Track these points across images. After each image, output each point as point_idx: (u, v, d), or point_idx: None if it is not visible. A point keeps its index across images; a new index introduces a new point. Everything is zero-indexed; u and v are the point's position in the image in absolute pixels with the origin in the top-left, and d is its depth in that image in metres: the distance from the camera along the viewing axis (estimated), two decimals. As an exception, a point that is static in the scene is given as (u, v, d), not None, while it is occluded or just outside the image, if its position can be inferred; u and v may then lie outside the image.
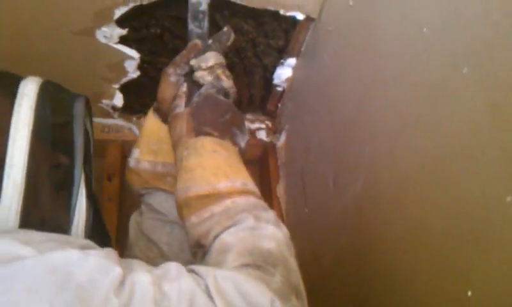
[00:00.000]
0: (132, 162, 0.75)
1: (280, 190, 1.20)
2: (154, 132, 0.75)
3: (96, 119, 1.20)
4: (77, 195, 0.58)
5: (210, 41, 0.75)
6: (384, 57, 0.66)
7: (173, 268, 0.48)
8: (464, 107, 0.50)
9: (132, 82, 1.07)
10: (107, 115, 1.19)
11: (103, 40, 0.93)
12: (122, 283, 0.42)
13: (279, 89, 1.14)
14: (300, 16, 0.91)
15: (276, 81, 1.12)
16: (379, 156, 0.68)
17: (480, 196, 0.48)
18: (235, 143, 0.67)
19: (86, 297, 0.40)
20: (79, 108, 0.62)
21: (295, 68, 1.06)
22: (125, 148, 1.25)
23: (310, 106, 0.98)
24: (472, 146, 0.49)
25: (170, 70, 0.72)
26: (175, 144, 0.67)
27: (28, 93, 0.57)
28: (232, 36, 0.76)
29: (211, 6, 0.80)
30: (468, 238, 0.50)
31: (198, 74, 0.71)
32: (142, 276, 0.44)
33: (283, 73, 1.09)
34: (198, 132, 0.65)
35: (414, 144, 0.59)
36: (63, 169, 0.58)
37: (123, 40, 0.94)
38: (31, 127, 0.55)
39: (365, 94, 0.72)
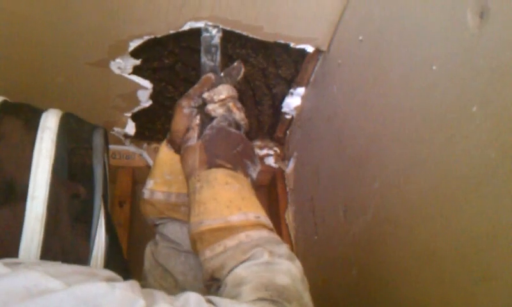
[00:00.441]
0: (146, 193, 0.76)
1: (289, 216, 1.21)
2: (167, 163, 0.76)
3: (107, 146, 1.22)
4: (97, 226, 0.59)
5: (222, 74, 0.77)
6: (394, 92, 0.67)
7: (192, 299, 0.48)
8: (472, 145, 0.51)
9: (144, 110, 1.09)
10: (118, 142, 1.21)
11: (117, 71, 0.95)
12: None
13: (288, 117, 1.16)
14: (310, 49, 0.93)
15: (285, 109, 1.14)
16: (389, 188, 0.69)
17: (488, 228, 0.49)
18: (247, 174, 0.68)
19: None
20: (98, 139, 0.63)
21: (304, 97, 1.08)
22: (136, 174, 1.27)
23: (319, 135, 1.00)
24: (481, 183, 0.50)
25: (184, 102, 0.73)
26: (188, 177, 0.67)
27: (50, 126, 0.59)
28: (242, 70, 0.77)
29: (223, 39, 0.82)
30: (476, 268, 0.51)
31: (210, 107, 0.72)
32: None
33: (292, 101, 1.11)
34: (211, 164, 0.65)
35: (423, 178, 0.60)
36: (82, 200, 0.59)
37: (136, 71, 0.97)
38: (52, 160, 0.56)
39: (375, 128, 0.73)
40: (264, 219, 0.63)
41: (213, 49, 0.80)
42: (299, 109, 1.12)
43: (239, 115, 0.72)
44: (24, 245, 0.53)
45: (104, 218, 0.60)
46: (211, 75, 0.76)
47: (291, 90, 1.07)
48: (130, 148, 1.24)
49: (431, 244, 0.59)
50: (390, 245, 0.69)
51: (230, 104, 0.73)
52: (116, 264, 0.62)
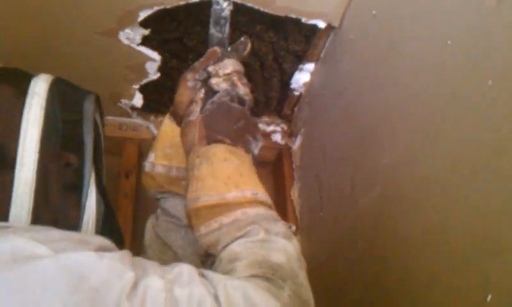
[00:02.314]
0: (147, 166, 0.76)
1: (295, 193, 1.22)
2: (169, 136, 0.75)
3: (114, 118, 1.22)
4: (87, 194, 0.58)
5: (229, 49, 0.76)
6: (407, 67, 0.67)
7: (185, 271, 0.48)
8: (487, 119, 0.51)
9: (152, 83, 1.09)
10: (126, 114, 1.21)
11: (126, 42, 0.95)
12: (135, 287, 0.43)
13: (296, 93, 1.16)
14: (321, 25, 0.92)
15: (293, 85, 1.13)
16: (399, 163, 0.69)
17: (499, 203, 0.49)
18: (248, 150, 0.67)
19: (98, 299, 0.40)
20: (88, 107, 0.62)
21: (313, 73, 1.07)
22: (142, 146, 1.27)
23: (328, 111, 0.99)
24: (494, 157, 0.50)
25: (188, 75, 0.72)
26: (187, 152, 0.67)
27: (39, 91, 0.58)
28: (249, 46, 0.76)
29: (233, 12, 0.82)
30: (487, 242, 0.51)
31: (214, 81, 0.71)
32: (155, 281, 0.44)
33: (301, 77, 1.10)
34: (210, 140, 0.65)
35: (435, 153, 0.60)
36: (73, 169, 0.59)
37: (145, 42, 0.96)
38: (41, 127, 0.55)
39: (386, 103, 0.73)
40: (262, 195, 0.62)
41: (222, 21, 0.79)
42: (308, 85, 1.11)
43: (243, 90, 0.71)
44: (14, 212, 0.53)
45: (94, 187, 0.59)
46: (217, 49, 0.75)
47: (300, 66, 1.07)
48: (137, 120, 1.24)
49: (441, 219, 0.59)
50: (398, 220, 0.70)
51: (235, 78, 0.72)
52: (109, 233, 0.62)
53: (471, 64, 0.53)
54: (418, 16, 0.64)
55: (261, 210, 0.60)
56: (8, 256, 0.41)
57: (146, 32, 0.93)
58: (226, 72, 0.72)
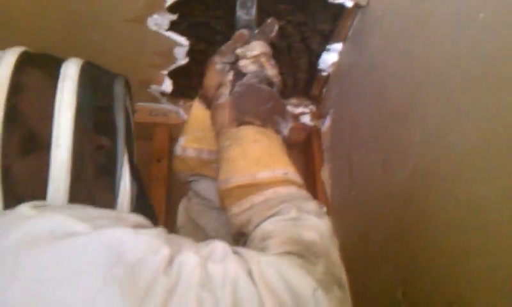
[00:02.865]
0: (178, 150, 0.77)
1: (325, 174, 1.21)
2: (199, 119, 0.76)
3: (144, 104, 1.24)
4: (121, 175, 0.59)
5: (256, 32, 0.76)
6: (438, 42, 0.66)
7: (218, 248, 0.49)
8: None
9: (181, 68, 1.10)
10: (155, 99, 1.22)
11: (154, 28, 0.95)
12: (170, 262, 0.43)
13: (324, 73, 1.15)
14: (349, 3, 0.91)
15: (321, 66, 1.12)
16: (431, 139, 0.68)
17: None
18: (277, 131, 0.67)
19: (136, 274, 0.41)
20: (119, 89, 0.63)
21: (341, 53, 1.06)
22: (173, 131, 1.29)
23: (357, 90, 0.98)
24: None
25: (216, 58, 0.73)
26: (218, 134, 0.67)
27: (70, 74, 0.59)
28: (276, 27, 0.76)
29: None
30: None
31: (242, 63, 0.71)
32: (189, 257, 0.45)
33: (329, 58, 1.09)
34: (240, 122, 0.65)
35: (467, 128, 0.59)
36: (106, 151, 0.60)
37: (173, 27, 0.96)
38: (73, 110, 0.56)
39: (417, 79, 0.72)
40: (293, 175, 0.62)
41: (249, 3, 0.79)
42: (336, 65, 1.10)
43: (271, 71, 0.71)
44: (51, 193, 0.54)
45: (127, 168, 0.60)
46: (244, 31, 0.75)
47: (328, 46, 1.06)
48: (167, 106, 1.25)
49: (476, 193, 0.58)
50: (431, 196, 0.69)
51: (263, 60, 0.72)
52: (143, 212, 0.63)
53: (503, 36, 0.52)
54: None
55: (292, 189, 0.60)
56: (47, 233, 0.42)
57: (174, 17, 0.93)
58: (253, 54, 0.72)
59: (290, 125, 0.70)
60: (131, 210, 0.60)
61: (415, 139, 0.72)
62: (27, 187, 0.55)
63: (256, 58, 0.72)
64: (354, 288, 0.53)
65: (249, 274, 0.46)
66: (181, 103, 1.24)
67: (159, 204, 1.22)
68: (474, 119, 0.58)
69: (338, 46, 1.05)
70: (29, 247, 0.41)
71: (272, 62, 0.73)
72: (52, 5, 0.88)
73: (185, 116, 1.24)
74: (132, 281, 0.40)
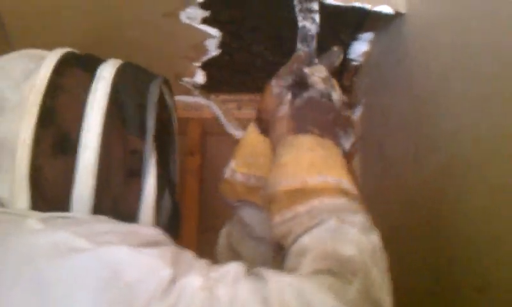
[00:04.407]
0: (227, 173, 0.75)
1: (356, 163, 1.21)
2: (251, 144, 0.75)
3: (178, 98, 1.26)
4: (145, 179, 0.60)
5: (316, 61, 0.76)
6: (469, 28, 0.65)
7: (231, 270, 0.47)
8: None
9: (212, 60, 1.11)
10: (188, 92, 1.24)
11: (187, 21, 0.97)
12: (171, 284, 0.42)
13: (355, 63, 1.15)
14: (389, 11, 0.86)
15: (352, 56, 1.12)
16: (462, 128, 0.68)
17: None
18: (337, 144, 0.65)
19: (131, 296, 0.40)
20: (153, 91, 0.63)
21: (372, 42, 1.06)
22: (205, 126, 1.31)
23: (389, 80, 0.98)
24: None
25: (273, 82, 0.73)
26: (275, 146, 0.66)
27: (105, 75, 0.60)
28: (341, 57, 0.77)
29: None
30: None
31: (312, 79, 0.70)
32: (194, 280, 0.43)
33: (360, 47, 1.09)
34: (298, 130, 0.64)
35: (498, 115, 0.59)
36: (136, 154, 0.60)
37: (205, 21, 0.98)
38: (104, 112, 0.57)
39: (447, 67, 0.71)
40: (347, 185, 0.58)
41: (309, 38, 0.79)
42: (367, 55, 1.10)
43: (337, 94, 0.72)
44: (76, 195, 0.55)
45: (154, 172, 0.60)
46: (301, 54, 0.75)
47: (359, 35, 1.06)
48: (199, 100, 1.27)
49: (505, 181, 0.58)
50: (462, 185, 0.69)
51: (333, 82, 0.72)
52: (170, 223, 0.65)
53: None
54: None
55: (341, 200, 0.56)
56: (50, 248, 0.43)
57: (206, 14, 0.95)
58: (322, 76, 0.71)
59: (352, 140, 0.68)
60: (157, 219, 0.61)
61: (446, 126, 0.72)
62: (55, 189, 0.56)
63: (324, 80, 0.71)
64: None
65: (263, 298, 0.43)
66: (213, 97, 1.26)
67: (193, 196, 1.25)
68: (505, 105, 0.57)
69: (369, 35, 1.05)
70: (30, 261, 0.42)
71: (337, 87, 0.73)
72: (91, 5, 0.90)
73: (217, 110, 1.25)
74: (126, 302, 0.40)
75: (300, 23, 0.79)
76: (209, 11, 0.95)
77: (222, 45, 1.06)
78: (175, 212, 0.71)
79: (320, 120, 0.65)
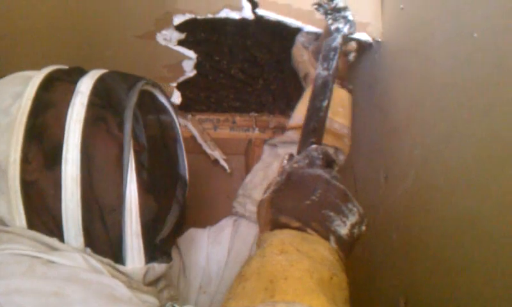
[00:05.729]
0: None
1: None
2: (338, 96, 0.82)
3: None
4: (126, 181, 0.59)
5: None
6: (435, 59, 0.68)
7: None
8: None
9: (189, 81, 1.12)
10: (164, 112, 1.24)
11: (163, 42, 0.98)
12: None
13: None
14: (367, 39, 0.88)
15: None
16: (430, 154, 0.70)
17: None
18: (328, 231, 0.52)
19: None
20: (131, 96, 0.63)
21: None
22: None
23: (360, 104, 1.00)
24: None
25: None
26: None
27: (82, 90, 0.61)
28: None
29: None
30: None
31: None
32: None
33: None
34: (274, 225, 0.53)
35: (464, 144, 0.61)
36: (113, 160, 0.61)
37: (181, 42, 0.99)
38: (82, 124, 0.58)
39: (417, 96, 0.74)
40: None
41: (332, 54, 0.73)
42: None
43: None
44: (65, 207, 0.57)
45: (135, 177, 0.60)
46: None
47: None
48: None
49: (473, 209, 0.60)
50: (431, 210, 0.71)
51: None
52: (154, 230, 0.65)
53: (497, 56, 0.54)
54: (445, 8, 0.65)
55: None
56: None
57: (182, 36, 0.97)
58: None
59: (354, 219, 0.55)
60: (141, 219, 0.60)
61: (415, 153, 0.74)
62: (47, 203, 0.58)
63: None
64: (357, 297, 0.53)
65: None
66: (189, 117, 1.26)
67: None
68: (470, 135, 0.60)
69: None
70: None
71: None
72: (66, 25, 0.91)
73: (193, 130, 1.25)
74: None
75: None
76: (185, 33, 0.96)
77: (198, 66, 1.07)
78: (181, 212, 0.72)
79: (302, 206, 0.53)
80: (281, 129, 1.19)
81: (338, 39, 0.74)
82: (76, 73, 0.65)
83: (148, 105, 0.71)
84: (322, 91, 0.68)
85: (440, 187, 0.68)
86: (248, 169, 1.24)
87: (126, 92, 0.64)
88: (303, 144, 0.63)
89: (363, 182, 1.01)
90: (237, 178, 1.27)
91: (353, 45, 0.85)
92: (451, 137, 0.64)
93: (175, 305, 0.52)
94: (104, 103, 0.64)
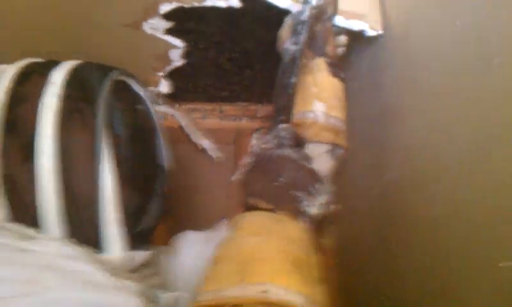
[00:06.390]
0: (321, 118, 0.71)
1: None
2: (330, 87, 0.78)
3: (141, 106, 1.26)
4: (99, 171, 0.60)
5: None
6: (417, 51, 0.68)
7: None
8: (492, 99, 0.52)
9: (176, 70, 1.12)
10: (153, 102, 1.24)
11: (150, 31, 0.98)
12: None
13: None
14: (371, 33, 0.85)
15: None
16: (414, 144, 0.71)
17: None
18: (295, 212, 0.56)
19: None
20: (105, 87, 0.64)
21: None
22: (169, 134, 1.30)
23: (351, 94, 1.01)
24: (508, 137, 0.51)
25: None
26: None
27: (54, 80, 0.61)
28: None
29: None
30: (498, 215, 0.52)
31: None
32: None
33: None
34: (245, 207, 0.56)
35: (450, 131, 0.62)
36: (87, 150, 0.61)
37: (168, 31, 0.99)
38: (55, 115, 0.58)
39: (402, 89, 0.75)
40: (276, 292, 0.45)
41: (299, 28, 0.72)
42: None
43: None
44: (40, 200, 0.57)
45: (109, 167, 0.60)
46: None
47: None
48: (163, 108, 1.27)
49: (457, 195, 0.60)
50: (419, 195, 0.71)
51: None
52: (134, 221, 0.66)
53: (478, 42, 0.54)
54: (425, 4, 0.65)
55: None
56: None
57: (169, 25, 0.96)
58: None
59: (322, 199, 0.58)
60: (117, 209, 0.61)
61: (407, 144, 0.75)
62: (27, 196, 0.58)
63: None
64: (346, 288, 0.53)
65: None
66: (176, 106, 1.26)
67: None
68: (455, 120, 0.60)
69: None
70: None
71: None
72: (51, 11, 0.90)
73: (180, 119, 1.26)
74: None
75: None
76: (172, 22, 0.95)
77: (186, 55, 1.06)
78: (161, 202, 0.71)
79: (270, 187, 0.55)
80: (269, 118, 1.19)
81: (307, 12, 0.71)
82: (51, 66, 0.65)
83: (125, 95, 0.71)
84: (291, 67, 0.66)
85: (425, 173, 0.68)
86: (237, 158, 1.24)
87: (99, 82, 0.64)
88: (274, 122, 0.64)
89: (353, 170, 1.01)
90: (226, 168, 1.27)
91: (342, 39, 0.84)
92: (434, 127, 0.65)
93: (156, 292, 0.52)
94: (79, 95, 0.63)
